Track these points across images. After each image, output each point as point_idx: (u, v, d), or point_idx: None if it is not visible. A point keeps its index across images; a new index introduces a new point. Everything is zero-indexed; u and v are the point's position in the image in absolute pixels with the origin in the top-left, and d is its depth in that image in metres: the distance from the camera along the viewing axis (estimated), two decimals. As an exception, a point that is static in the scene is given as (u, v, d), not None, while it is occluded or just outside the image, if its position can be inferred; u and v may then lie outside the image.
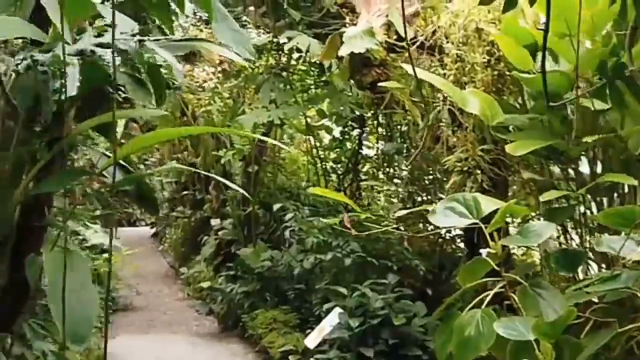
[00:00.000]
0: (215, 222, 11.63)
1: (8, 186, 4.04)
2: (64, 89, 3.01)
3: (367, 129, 10.83)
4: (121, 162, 4.26)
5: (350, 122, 10.61)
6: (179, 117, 11.97)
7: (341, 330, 6.92)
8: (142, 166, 21.08)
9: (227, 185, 4.61)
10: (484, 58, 5.90)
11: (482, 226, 4.49)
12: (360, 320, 6.85)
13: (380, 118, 9.60)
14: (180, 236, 14.94)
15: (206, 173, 5.02)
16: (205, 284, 10.70)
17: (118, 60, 2.99)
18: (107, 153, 4.12)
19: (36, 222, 4.13)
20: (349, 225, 4.66)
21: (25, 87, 3.80)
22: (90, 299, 3.49)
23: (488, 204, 4.64)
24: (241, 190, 4.72)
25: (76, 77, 2.89)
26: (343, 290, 7.27)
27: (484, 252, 4.45)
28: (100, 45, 3.09)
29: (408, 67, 5.78)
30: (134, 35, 3.19)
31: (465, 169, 6.07)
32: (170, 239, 16.03)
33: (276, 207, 9.47)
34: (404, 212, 5.41)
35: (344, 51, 6.49)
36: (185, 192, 14.59)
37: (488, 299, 4.38)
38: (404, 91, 6.86)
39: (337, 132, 11.16)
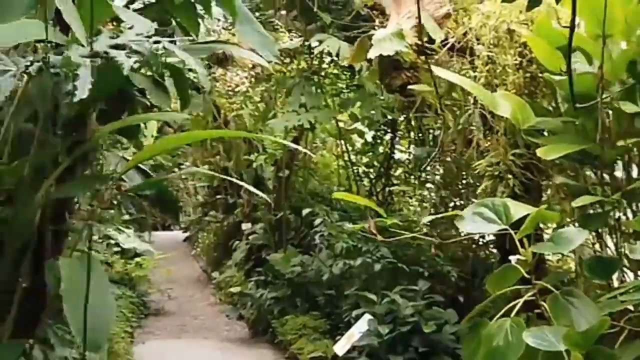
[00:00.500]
0: (246, 226, 11.59)
1: (28, 190, 4.00)
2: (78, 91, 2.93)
3: (400, 133, 10.73)
4: (141, 166, 4.21)
5: (382, 126, 10.50)
6: (211, 122, 11.97)
7: (370, 337, 6.82)
8: (177, 170, 21.21)
9: (251, 189, 4.51)
10: (516, 60, 5.76)
11: (512, 232, 4.37)
12: (390, 327, 6.75)
13: (412, 122, 9.46)
14: (212, 240, 14.93)
15: (228, 177, 4.93)
16: (234, 289, 10.66)
17: (133, 62, 2.91)
18: (126, 157, 4.07)
19: (57, 226, 4.09)
20: (374, 231, 4.56)
21: (44, 90, 3.77)
22: (107, 306, 3.44)
23: (518, 209, 4.51)
24: (263, 195, 4.67)
25: (88, 79, 2.82)
26: (372, 296, 7.17)
27: (513, 258, 4.32)
28: (115, 47, 3.03)
29: (437, 70, 5.70)
30: (149, 36, 3.12)
31: (497, 173, 5.93)
32: (202, 244, 16.03)
33: (305, 211, 9.39)
34: (432, 217, 5.29)
35: (372, 54, 6.38)
36: (217, 197, 14.57)
37: (517, 307, 4.26)
38: (435, 94, 6.73)
39: (369, 136, 11.06)
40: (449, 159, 8.57)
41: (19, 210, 3.94)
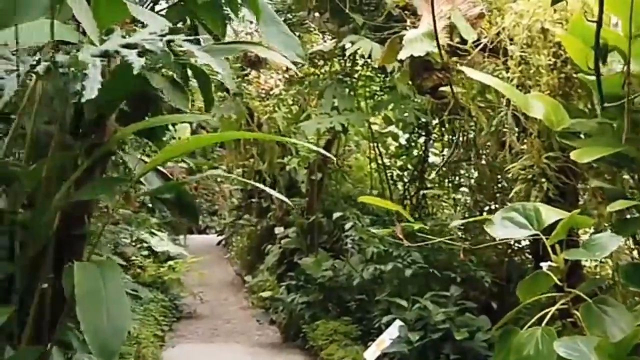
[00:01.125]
0: (279, 230, 11.50)
1: (46, 192, 3.94)
2: (91, 92, 2.85)
3: (434, 135, 10.57)
4: (160, 168, 4.13)
5: (416, 129, 10.36)
6: (244, 124, 11.91)
7: (401, 344, 6.68)
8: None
9: (273, 194, 4.40)
10: (550, 60, 5.59)
11: (543, 238, 4.23)
12: (421, 334, 6.61)
13: (445, 124, 9.29)
14: (246, 244, 14.87)
15: (252, 182, 4.83)
16: (265, 294, 10.58)
17: (144, 61, 2.82)
18: (144, 158, 3.99)
19: (76, 230, 4.02)
20: (401, 236, 4.44)
21: (62, 90, 3.71)
22: (121, 313, 3.35)
23: (550, 214, 4.36)
24: (284, 199, 4.52)
25: (97, 79, 2.74)
26: (403, 302, 7.03)
27: (544, 265, 4.17)
28: (127, 46, 2.94)
29: (468, 71, 5.55)
30: (163, 35, 3.03)
31: (530, 177, 5.76)
32: (236, 247, 15.99)
33: (336, 215, 9.27)
34: (461, 221, 5.15)
35: (403, 55, 6.25)
36: (251, 200, 14.52)
37: (549, 315, 4.12)
38: (469, 96, 6.59)
39: (403, 139, 10.92)
40: (483, 162, 8.40)
41: (38, 213, 3.88)
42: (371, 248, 7.89)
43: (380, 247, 7.80)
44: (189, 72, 4.50)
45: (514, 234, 4.37)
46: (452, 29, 6.64)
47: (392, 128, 10.88)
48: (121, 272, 3.59)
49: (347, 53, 8.70)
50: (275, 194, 4.36)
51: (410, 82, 7.26)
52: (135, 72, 2.75)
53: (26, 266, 3.98)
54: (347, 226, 8.65)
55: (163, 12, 4.82)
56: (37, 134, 3.92)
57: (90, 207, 4.09)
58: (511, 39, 5.91)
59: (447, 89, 6.31)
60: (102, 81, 3.67)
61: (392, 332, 6.89)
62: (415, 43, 6.35)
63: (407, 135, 10.72)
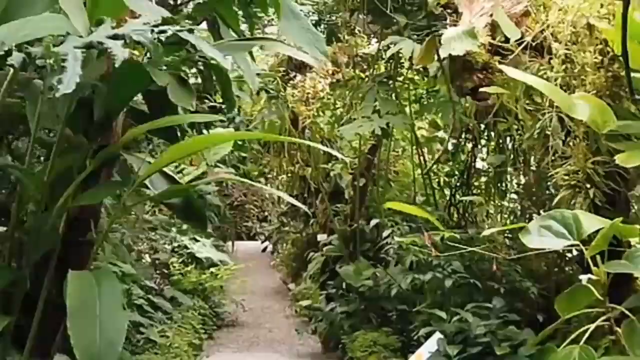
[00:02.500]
0: (321, 237, 11.23)
1: (51, 196, 3.76)
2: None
3: (483, 140, 10.19)
4: (167, 171, 3.91)
5: (464, 134, 10.00)
6: (288, 128, 11.72)
7: (439, 358, 6.35)
8: (262, 179, 21.13)
9: (288, 199, 4.13)
10: (596, 58, 5.24)
11: (583, 248, 3.91)
12: (460, 348, 6.27)
13: (490, 128, 8.92)
14: (291, 251, 14.65)
15: (260, 185, 4.54)
16: (304, 303, 10.32)
17: (126, 53, 2.60)
18: (148, 160, 3.76)
19: (81, 236, 3.83)
20: (429, 244, 4.16)
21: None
22: (116, 326, 3.12)
23: (592, 222, 4.04)
24: (302, 206, 4.28)
25: (76, 71, 2.52)
26: (442, 314, 6.71)
27: (584, 277, 3.84)
28: (114, 37, 2.72)
29: (508, 70, 5.24)
30: (156, 25, 2.80)
31: (574, 183, 5.41)
32: (282, 254, 15.79)
33: (373, 222, 8.98)
34: (494, 230, 4.83)
35: (441, 54, 5.97)
36: (296, 206, 14.29)
37: (588, 333, 3.81)
38: (513, 97, 6.26)
39: (451, 144, 10.58)
40: (533, 167, 8.05)
41: (40, 219, 3.69)
42: (410, 257, 7.56)
43: (420, 255, 7.47)
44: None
45: (551, 244, 4.06)
46: (494, 26, 6.33)
47: (439, 133, 10.58)
48: (119, 283, 3.37)
49: (388, 54, 8.42)
50: (288, 198, 4.10)
51: (450, 84, 6.97)
52: (117, 64, 2.52)
53: (30, 273, 3.80)
54: (385, 234, 8.33)
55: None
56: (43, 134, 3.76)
57: (96, 211, 3.88)
58: (555, 36, 5.59)
59: (488, 89, 6.00)
60: (107, 80, 3.50)
61: (431, 345, 6.57)
62: (454, 42, 6.05)
63: (454, 140, 10.35)
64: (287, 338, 10.46)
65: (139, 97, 4.34)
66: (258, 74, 10.00)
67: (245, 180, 3.95)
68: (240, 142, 18.54)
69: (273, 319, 12.08)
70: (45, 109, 3.66)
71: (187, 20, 5.02)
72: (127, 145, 3.94)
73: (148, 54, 3.95)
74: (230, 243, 19.89)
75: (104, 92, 3.65)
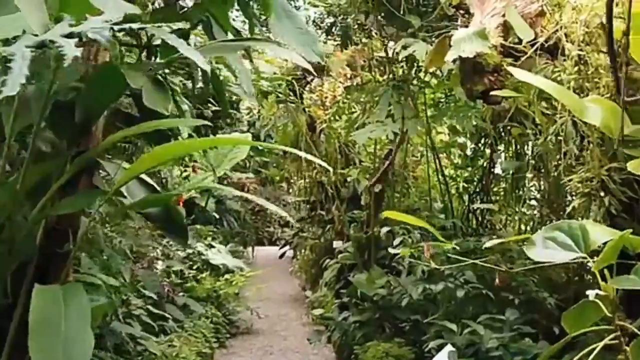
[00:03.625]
0: (337, 244, 11.01)
1: (31, 205, 3.59)
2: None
3: (503, 145, 9.92)
4: (146, 179, 3.71)
5: (483, 139, 9.74)
6: (305, 133, 11.55)
7: (449, 371, 6.11)
8: (284, 185, 20.96)
9: (269, 207, 3.91)
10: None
11: (590, 262, 3.66)
12: (471, 362, 6.04)
13: (506, 133, 8.64)
14: (310, 257, 14.44)
15: (245, 194, 4.29)
16: (317, 311, 10.10)
17: (77, 52, 2.41)
18: (125, 166, 3.57)
19: (59, 247, 3.64)
20: (428, 256, 3.94)
21: (41, 91, 3.35)
22: (81, 345, 2.93)
23: (600, 233, 3.78)
24: (281, 212, 4.04)
25: (22, 72, 2.34)
26: (452, 326, 6.46)
27: (591, 293, 3.58)
28: (70, 35, 2.54)
29: (516, 71, 4.99)
30: (117, 23, 2.61)
31: (587, 190, 5.14)
32: (301, 260, 15.59)
33: (384, 230, 8.74)
34: (496, 241, 4.58)
35: (450, 56, 5.71)
36: (315, 212, 14.08)
37: (595, 352, 3.56)
38: (525, 101, 6.00)
39: (470, 149, 10.33)
40: (555, 173, 7.78)
41: (14, 228, 3.52)
42: (421, 266, 7.31)
43: (431, 264, 7.19)
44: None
45: (556, 257, 3.80)
46: (506, 27, 6.08)
47: (456, 138, 10.35)
48: (87, 297, 3.17)
49: (401, 57, 8.19)
50: (269, 205, 3.88)
51: (460, 87, 6.72)
52: (65, 64, 2.33)
53: (8, 285, 3.63)
54: (396, 242, 8.08)
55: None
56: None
57: (75, 221, 3.69)
58: (569, 37, 5.33)
59: (500, 92, 5.75)
60: (83, 83, 3.32)
61: (442, 358, 6.33)
62: (464, 43, 5.80)
63: (472, 145, 10.11)
64: (301, 347, 10.23)
65: (130, 100, 4.18)
66: (265, 78, 9.88)
67: (227, 188, 3.71)
68: (260, 147, 18.46)
69: (289, 326, 11.87)
70: (22, 112, 3.49)
71: (184, 22, 4.89)
72: (109, 151, 3.76)
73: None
74: (250, 248, 19.78)
75: (83, 94, 3.47)
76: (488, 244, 4.23)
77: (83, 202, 3.55)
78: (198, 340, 8.80)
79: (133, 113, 4.23)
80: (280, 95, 10.16)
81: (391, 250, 5.20)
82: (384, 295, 8.29)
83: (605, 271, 3.69)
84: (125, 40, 4.70)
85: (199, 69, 4.20)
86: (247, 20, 4.80)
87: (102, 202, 3.47)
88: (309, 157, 3.66)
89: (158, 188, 3.78)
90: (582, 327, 3.86)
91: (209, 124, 4.58)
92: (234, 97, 9.91)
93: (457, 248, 4.53)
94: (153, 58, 4.46)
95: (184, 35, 4.68)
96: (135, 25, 2.67)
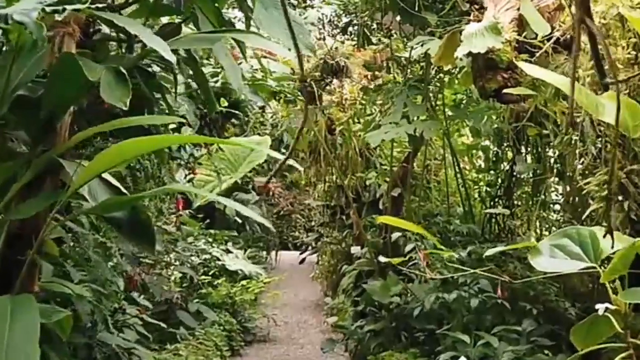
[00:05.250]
0: (355, 250, 10.68)
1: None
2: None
3: (529, 147, 9.54)
4: (110, 179, 3.44)
5: (507, 141, 9.37)
6: (324, 135, 11.27)
7: (462, 384, 5.78)
8: (310, 189, 20.67)
9: (245, 215, 3.61)
10: (629, 53, 4.64)
11: (600, 272, 3.34)
12: (484, 376, 5.71)
13: (526, 133, 8.26)
14: (331, 262, 14.13)
15: (222, 199, 3.95)
16: (331, 319, 9.79)
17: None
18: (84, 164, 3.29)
19: (21, 254, 3.38)
20: (423, 264, 3.64)
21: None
22: (26, 360, 2.66)
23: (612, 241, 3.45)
24: (260, 219, 3.74)
25: None
26: (465, 337, 6.13)
27: (601, 307, 3.26)
28: (-6, 18, 2.29)
29: (526, 66, 4.66)
30: (50, 4, 2.35)
31: (605, 194, 4.80)
32: (322, 265, 15.28)
33: (395, 236, 8.41)
34: (498, 249, 4.27)
35: (460, 52, 5.40)
36: (336, 216, 13.76)
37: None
38: (540, 100, 5.68)
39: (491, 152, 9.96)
40: (575, 175, 7.42)
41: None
42: (434, 273, 6.95)
43: (445, 272, 6.86)
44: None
45: (564, 267, 3.48)
46: (521, 21, 5.76)
47: (481, 140, 10.01)
48: (37, 310, 2.92)
49: (415, 55, 7.89)
50: (247, 212, 3.59)
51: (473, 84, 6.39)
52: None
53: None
54: (408, 248, 7.73)
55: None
56: None
57: (40, 226, 3.42)
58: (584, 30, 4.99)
59: (514, 90, 5.42)
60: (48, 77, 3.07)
61: (455, 371, 6.02)
62: (476, 38, 5.48)
63: (494, 148, 9.74)
64: (318, 356, 9.90)
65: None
66: (274, 78, 9.61)
67: (222, 198, 3.49)
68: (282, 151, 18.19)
69: (307, 334, 11.57)
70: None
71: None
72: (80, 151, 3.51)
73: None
74: (273, 253, 19.51)
75: (46, 89, 3.23)
76: (489, 252, 3.92)
77: (41, 206, 3.29)
78: (208, 349, 8.54)
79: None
80: (288, 95, 9.87)
81: (382, 259, 4.85)
82: (399, 303, 7.97)
83: (617, 282, 3.38)
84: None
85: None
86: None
87: (58, 205, 3.21)
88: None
89: (124, 189, 3.51)
90: (592, 344, 3.54)
91: (182, 120, 4.33)
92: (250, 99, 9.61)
93: (461, 256, 4.20)
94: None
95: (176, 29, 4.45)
96: (70, 7, 2.41)
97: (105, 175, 3.41)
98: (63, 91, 3.23)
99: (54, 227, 3.46)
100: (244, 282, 11.26)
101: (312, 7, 10.35)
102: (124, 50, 4.30)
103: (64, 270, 4.58)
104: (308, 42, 3.84)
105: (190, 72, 4.62)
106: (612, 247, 3.36)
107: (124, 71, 3.13)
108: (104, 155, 3.09)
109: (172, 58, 2.98)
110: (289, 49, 3.86)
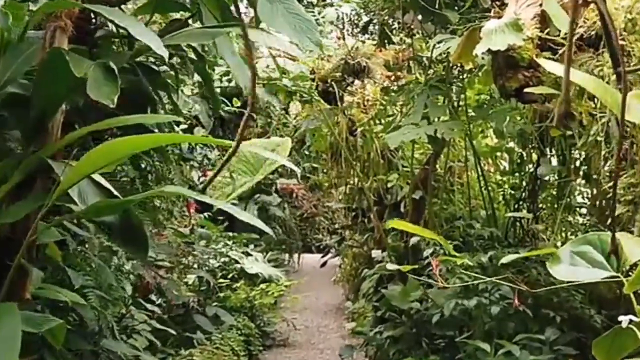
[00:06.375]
0: (376, 253, 10.45)
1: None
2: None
3: (554, 149, 9.28)
4: (100, 180, 3.26)
5: (532, 142, 9.12)
6: (346, 136, 11.10)
7: (482, 396, 5.57)
8: (333, 192, 20.47)
9: (243, 219, 3.42)
10: (656, 49, 4.42)
11: (624, 282, 3.13)
12: (505, 387, 5.48)
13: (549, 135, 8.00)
14: (353, 266, 13.93)
15: (215, 202, 3.75)
16: (350, 325, 9.59)
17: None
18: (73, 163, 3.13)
19: (11, 259, 3.23)
20: (436, 271, 3.45)
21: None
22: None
23: (638, 248, 3.23)
24: (260, 224, 3.55)
25: None
26: (485, 346, 5.91)
27: (624, 319, 3.05)
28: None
29: (546, 63, 4.46)
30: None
31: (631, 198, 4.58)
32: (344, 269, 15.08)
33: (414, 240, 8.18)
34: (513, 257, 4.06)
35: (479, 49, 5.20)
36: (358, 219, 13.56)
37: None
38: (574, 99, 5.45)
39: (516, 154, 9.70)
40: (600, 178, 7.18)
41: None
42: (454, 279, 6.73)
43: (464, 277, 6.62)
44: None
45: (585, 276, 3.27)
46: (544, 18, 5.54)
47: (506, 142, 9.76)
48: (19, 319, 2.76)
49: (434, 55, 7.67)
50: (243, 216, 3.41)
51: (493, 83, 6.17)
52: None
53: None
54: (426, 253, 7.50)
55: None
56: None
57: (25, 230, 3.26)
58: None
59: (536, 89, 5.21)
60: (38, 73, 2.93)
61: (475, 380, 5.81)
62: (495, 35, 5.26)
63: (519, 150, 9.49)
64: (337, 361, 9.74)
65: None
66: (285, 74, 9.42)
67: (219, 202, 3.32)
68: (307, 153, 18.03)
69: (327, 339, 11.38)
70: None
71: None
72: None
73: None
74: (296, 256, 19.35)
75: (36, 85, 3.07)
76: (505, 260, 3.71)
77: (30, 208, 3.14)
78: (225, 354, 8.38)
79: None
80: (304, 95, 9.68)
81: (390, 267, 4.66)
82: (419, 309, 7.75)
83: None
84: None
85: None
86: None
87: (45, 208, 3.04)
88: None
89: (115, 192, 3.33)
90: (616, 357, 3.32)
91: (180, 119, 4.18)
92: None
93: (473, 263, 3.99)
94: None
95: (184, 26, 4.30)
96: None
97: (97, 177, 3.26)
98: (52, 88, 3.08)
99: (43, 230, 3.29)
100: (263, 286, 11.10)
101: (332, 4, 10.15)
102: (126, 48, 4.15)
103: (66, 275, 4.44)
104: (315, 37, 3.64)
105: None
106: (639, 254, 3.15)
107: (113, 67, 2.97)
108: (92, 155, 2.93)
109: (165, 53, 2.81)
110: (296, 45, 3.68)
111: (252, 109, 3.29)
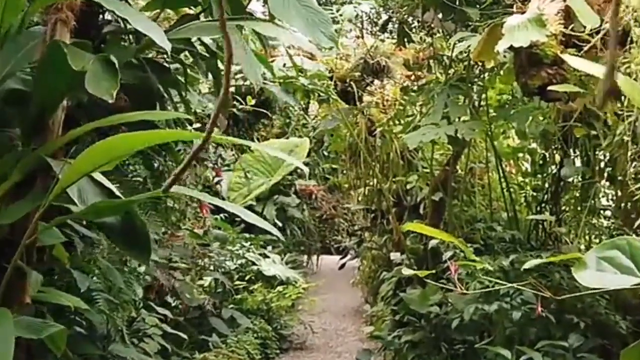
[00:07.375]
0: (394, 256, 10.28)
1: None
2: None
3: (578, 150, 9.07)
4: (102, 180, 3.13)
5: (556, 143, 8.91)
6: (364, 137, 10.96)
7: (503, 404, 5.39)
8: (353, 193, 20.32)
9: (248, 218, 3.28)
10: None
11: (655, 289, 2.95)
12: (526, 395, 5.30)
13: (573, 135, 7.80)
14: (372, 268, 13.75)
15: (223, 204, 3.61)
16: (368, 329, 9.42)
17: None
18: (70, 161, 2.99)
19: (5, 262, 3.10)
20: (455, 276, 3.29)
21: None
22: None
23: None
24: (268, 227, 3.41)
25: None
26: (506, 352, 5.73)
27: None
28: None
29: (570, 59, 4.28)
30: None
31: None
32: (363, 271, 14.91)
33: (433, 242, 7.99)
34: (536, 262, 3.89)
35: (501, 46, 5.03)
36: (377, 221, 13.39)
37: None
38: (587, 98, 5.27)
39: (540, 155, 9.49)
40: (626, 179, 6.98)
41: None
42: (474, 283, 6.53)
43: (485, 281, 6.43)
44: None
45: (612, 282, 3.09)
46: (568, 13, 5.35)
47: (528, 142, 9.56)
48: (12, 324, 2.63)
49: (454, 53, 7.49)
50: (251, 217, 3.27)
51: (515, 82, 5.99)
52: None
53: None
54: (446, 256, 7.31)
55: None
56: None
57: (22, 231, 3.12)
58: (636, 20, 4.60)
59: (559, 87, 5.03)
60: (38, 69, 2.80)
61: (495, 388, 5.63)
62: (518, 31, 5.08)
63: (542, 151, 9.28)
64: (355, 365, 9.58)
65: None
66: (302, 73, 9.26)
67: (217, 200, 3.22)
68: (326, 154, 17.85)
69: (345, 342, 11.22)
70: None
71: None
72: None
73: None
74: (315, 257, 19.21)
75: (36, 81, 2.95)
76: (527, 265, 3.54)
77: (29, 208, 3.01)
78: (240, 357, 8.25)
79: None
80: (321, 94, 9.52)
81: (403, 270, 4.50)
82: (438, 313, 7.58)
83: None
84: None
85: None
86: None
87: (42, 208, 2.91)
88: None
89: (117, 192, 3.19)
90: (646, 369, 3.13)
91: (188, 117, 4.04)
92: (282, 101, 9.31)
93: (491, 268, 3.82)
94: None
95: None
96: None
97: (98, 176, 3.12)
98: (52, 83, 2.96)
99: (43, 230, 3.16)
100: (280, 288, 10.96)
101: (351, 2, 9.98)
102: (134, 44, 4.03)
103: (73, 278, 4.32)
104: (328, 31, 3.48)
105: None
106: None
107: (114, 61, 2.83)
108: (91, 152, 2.79)
109: (168, 46, 2.68)
110: (309, 40, 3.53)
111: (224, 101, 3.15)
